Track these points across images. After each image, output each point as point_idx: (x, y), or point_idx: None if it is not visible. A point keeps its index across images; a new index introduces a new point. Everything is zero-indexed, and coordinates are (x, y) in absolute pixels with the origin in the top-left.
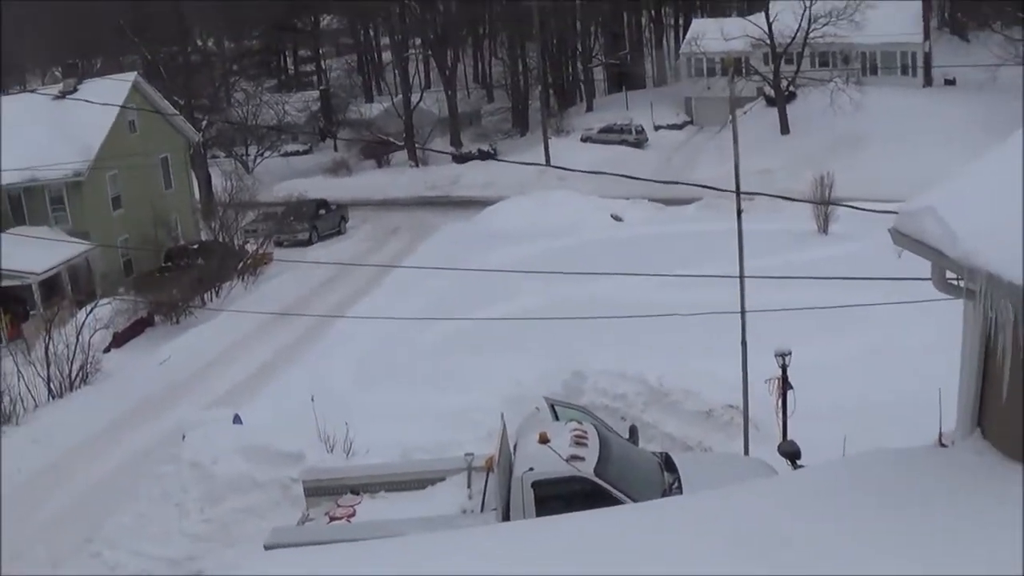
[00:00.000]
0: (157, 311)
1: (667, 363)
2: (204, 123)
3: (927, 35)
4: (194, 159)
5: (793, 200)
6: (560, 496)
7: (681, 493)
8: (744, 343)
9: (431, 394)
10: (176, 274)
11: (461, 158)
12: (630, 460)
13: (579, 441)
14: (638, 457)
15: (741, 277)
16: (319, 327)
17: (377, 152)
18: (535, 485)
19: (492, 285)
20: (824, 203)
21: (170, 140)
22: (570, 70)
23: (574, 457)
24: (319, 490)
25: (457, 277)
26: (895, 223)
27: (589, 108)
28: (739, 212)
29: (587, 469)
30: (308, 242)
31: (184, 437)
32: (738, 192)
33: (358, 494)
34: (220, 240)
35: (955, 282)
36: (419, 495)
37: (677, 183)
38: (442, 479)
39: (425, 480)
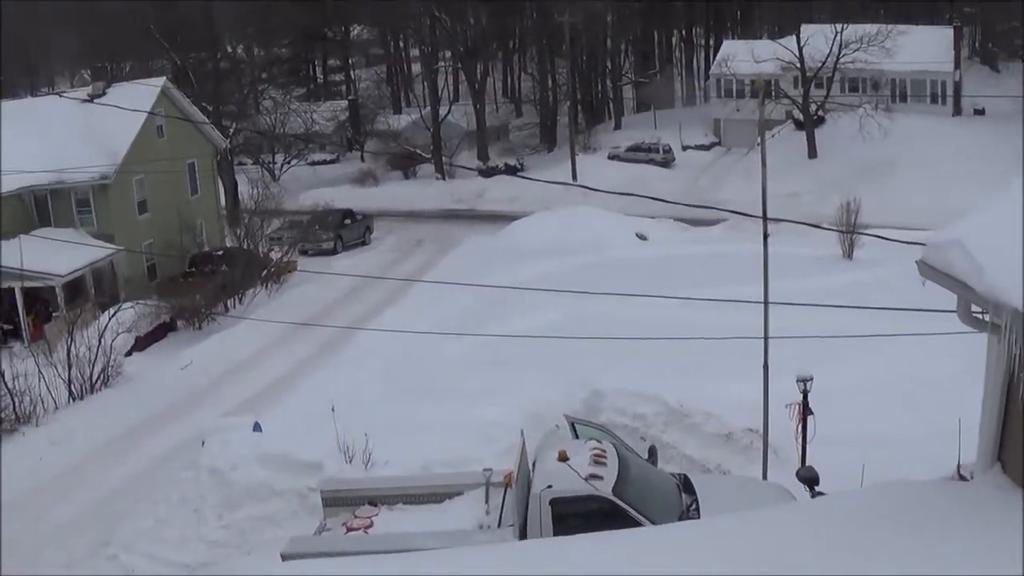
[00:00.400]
0: (180, 316)
1: (688, 384)
2: (232, 130)
3: (958, 64)
4: (221, 166)
5: (819, 228)
6: (578, 514)
7: (699, 516)
8: (766, 367)
9: (452, 408)
10: (200, 280)
11: (487, 172)
12: (648, 481)
13: (598, 460)
14: (656, 478)
15: (766, 303)
16: (342, 338)
17: (404, 164)
18: (553, 503)
19: (515, 300)
20: (850, 232)
21: (198, 146)
22: (599, 87)
23: (593, 476)
24: (337, 500)
25: (480, 291)
26: (923, 255)
27: (617, 126)
28: (765, 237)
29: (605, 488)
30: (333, 251)
31: (203, 443)
32: (765, 217)
33: (376, 505)
34: (245, 247)
35: (980, 316)
36: (437, 509)
37: (704, 207)
38: (460, 493)
39: (443, 494)
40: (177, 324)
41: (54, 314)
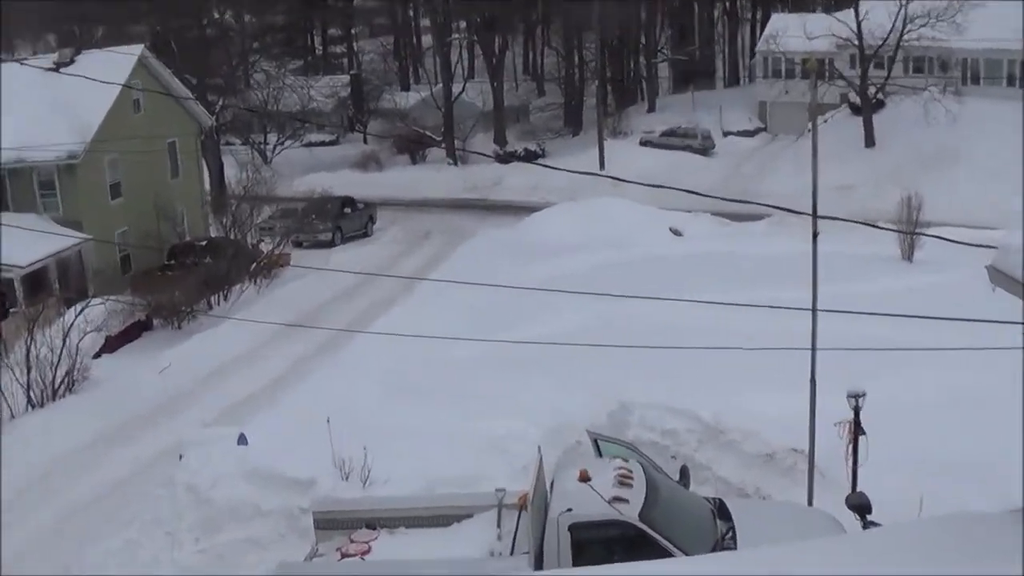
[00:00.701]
0: (157, 314)
1: (725, 398)
2: (218, 106)
3: None
4: (205, 146)
5: (876, 227)
6: (600, 542)
7: (735, 546)
8: (813, 381)
9: (460, 420)
10: (180, 273)
11: (505, 158)
12: (680, 505)
13: (624, 481)
14: (689, 502)
15: (814, 309)
16: (338, 340)
17: (411, 147)
18: (573, 528)
19: (533, 301)
20: (910, 232)
21: (179, 123)
22: (631, 65)
23: (617, 499)
24: (331, 522)
25: (494, 291)
26: (993, 259)
27: (651, 108)
28: (815, 235)
29: (631, 513)
30: (331, 244)
31: (181, 457)
32: (815, 213)
33: (374, 529)
34: (231, 238)
35: None
36: (443, 533)
37: (746, 201)
38: (469, 516)
39: (450, 516)
40: (153, 323)
41: (11, 310)
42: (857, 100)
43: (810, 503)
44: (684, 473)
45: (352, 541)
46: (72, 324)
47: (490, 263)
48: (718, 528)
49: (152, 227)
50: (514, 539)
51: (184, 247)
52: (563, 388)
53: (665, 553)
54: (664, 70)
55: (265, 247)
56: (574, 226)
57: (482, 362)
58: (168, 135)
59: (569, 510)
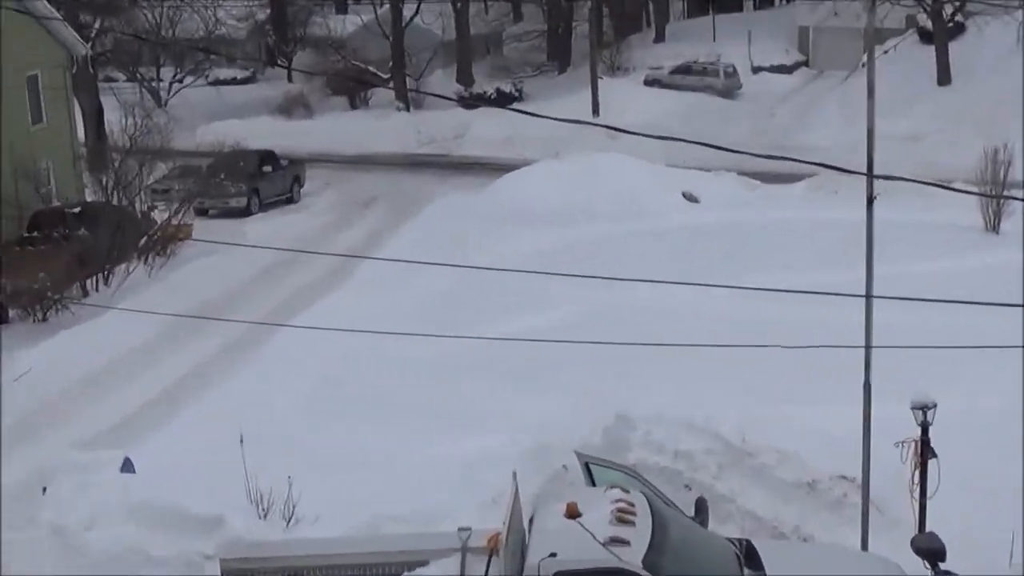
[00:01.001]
0: (13, 302)
1: (754, 409)
2: (95, 30)
3: None
4: (78, 82)
5: (950, 188)
6: None
7: None
8: (868, 387)
9: (414, 440)
10: (45, 249)
11: (471, 101)
12: (696, 548)
13: (623, 518)
14: (707, 545)
15: (869, 296)
16: (256, 337)
17: (350, 87)
18: None
19: (507, 288)
20: (996, 195)
21: (42, 51)
22: None
23: (616, 540)
24: (243, 573)
25: (457, 274)
26: None
27: (659, 38)
28: (871, 200)
29: (634, 559)
30: (245, 212)
31: (45, 490)
32: (871, 172)
33: None
34: (114, 203)
35: None
36: None
37: (782, 158)
38: (424, 563)
39: (399, 564)
40: (8, 313)
41: None
42: (928, 24)
43: (864, 546)
44: (701, 507)
45: None
46: None
47: (452, 238)
48: None
49: (8, 189)
50: None
51: (51, 214)
52: (545, 397)
53: None
54: None
55: (159, 216)
56: (560, 190)
57: (441, 365)
58: (27, 67)
59: (553, 555)
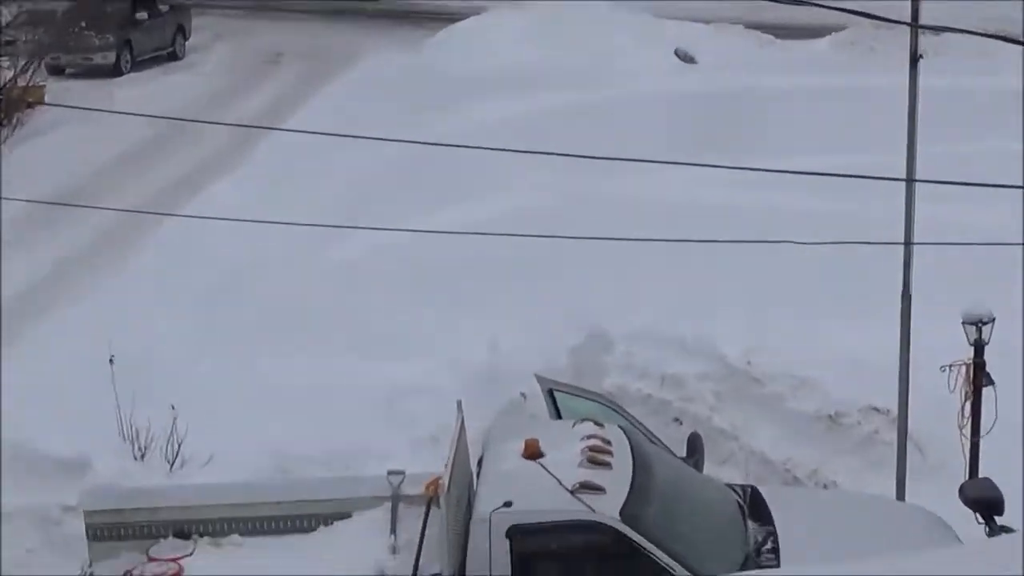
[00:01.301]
0: None
1: (763, 325)
2: None
3: None
4: None
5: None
6: (558, 555)
7: (778, 563)
8: (907, 297)
9: (331, 363)
10: None
11: None
12: (688, 497)
13: (597, 459)
14: (702, 492)
15: (910, 180)
16: (128, 232)
17: None
18: (515, 534)
19: (454, 171)
20: None
21: None
22: None
23: (587, 486)
24: (115, 529)
25: (393, 153)
26: None
27: None
28: (915, 59)
29: (610, 510)
30: (114, 71)
31: None
32: (915, 22)
33: (188, 538)
34: None
35: None
36: (301, 544)
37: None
38: (346, 516)
39: (314, 517)
40: None
41: None
42: None
43: (901, 495)
44: (695, 446)
45: (150, 559)
46: None
47: (382, 107)
48: (749, 534)
49: None
50: (418, 552)
51: None
52: (499, 308)
53: (664, 573)
54: None
55: (2, 75)
56: (522, 46)
57: (366, 268)
58: None
59: (507, 505)
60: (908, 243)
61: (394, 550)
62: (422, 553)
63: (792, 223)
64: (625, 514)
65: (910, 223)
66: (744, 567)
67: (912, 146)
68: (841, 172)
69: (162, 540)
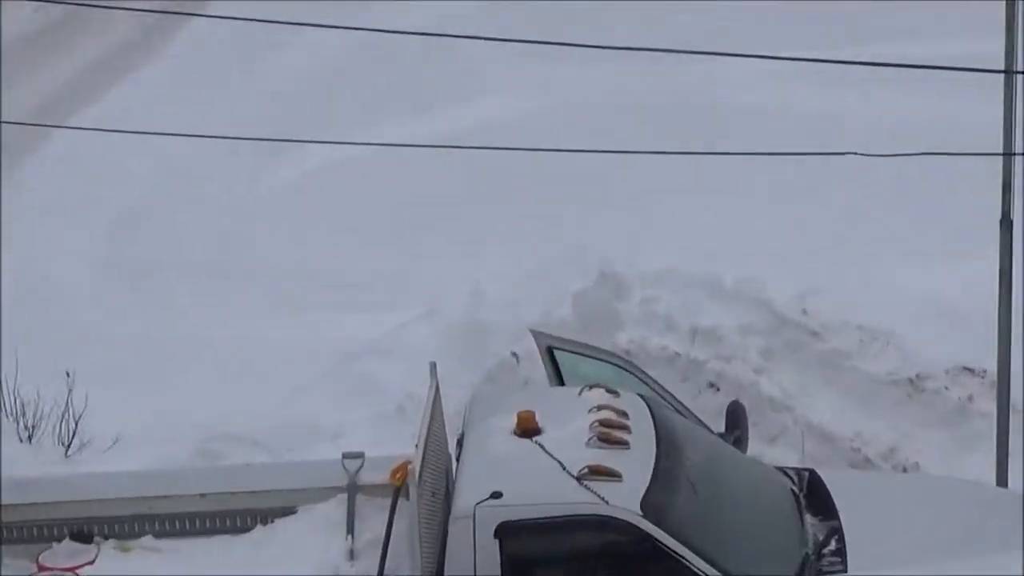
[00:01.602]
0: None
1: (819, 263)
2: None
3: None
4: None
5: None
6: (561, 560)
7: (844, 568)
8: (1008, 221)
9: (273, 313)
10: None
11: None
12: (726, 484)
13: (611, 436)
14: (746, 478)
15: (1010, 72)
16: (8, 151)
17: None
18: (505, 533)
19: (430, 63)
20: None
21: None
22: None
23: (597, 471)
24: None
25: (351, 41)
26: None
27: None
28: None
29: (627, 501)
30: None
31: None
32: None
33: (89, 540)
34: None
35: None
36: (235, 547)
37: None
38: (292, 512)
39: (250, 513)
40: None
41: None
42: None
43: (1002, 480)
44: (736, 418)
45: (41, 568)
46: None
47: None
48: (807, 532)
49: None
50: (382, 557)
51: None
52: (485, 245)
53: None
54: None
55: None
56: None
57: (317, 193)
58: None
59: (496, 496)
60: (1010, 153)
61: (351, 554)
62: (387, 558)
63: (858, 130)
64: (647, 506)
65: (1010, 128)
66: (801, 574)
67: (1012, 30)
68: (924, 63)
69: (56, 544)
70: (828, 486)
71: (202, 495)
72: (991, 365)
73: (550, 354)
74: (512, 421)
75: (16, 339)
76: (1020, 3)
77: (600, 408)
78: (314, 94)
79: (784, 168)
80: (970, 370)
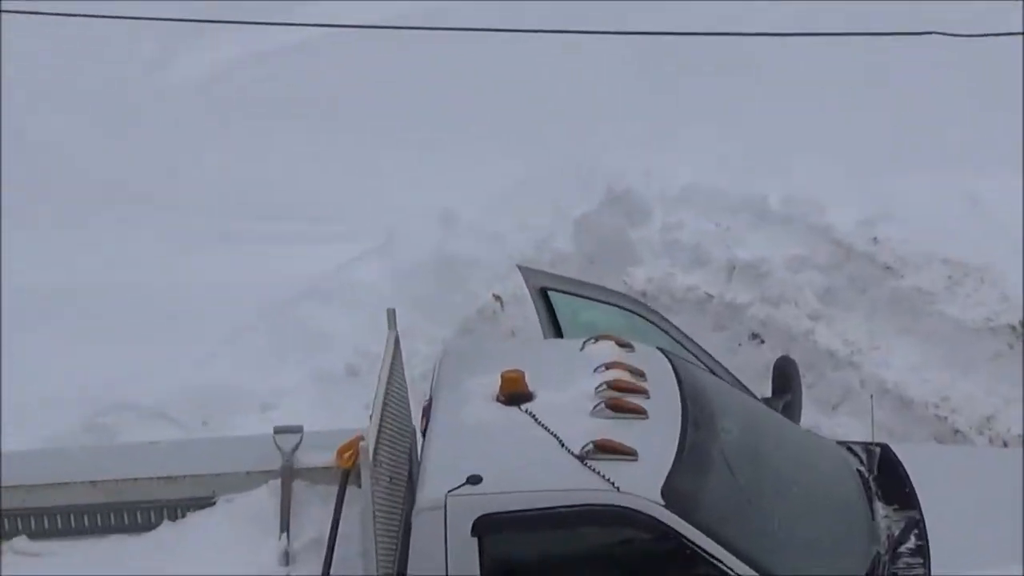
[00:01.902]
0: None
1: (890, 180)
2: None
3: None
4: None
5: None
6: (558, 560)
7: (926, 570)
8: None
9: (185, 246)
10: None
11: None
12: (772, 464)
13: (622, 402)
14: (798, 455)
15: None
16: None
17: None
18: (486, 529)
19: None
20: None
21: None
22: None
23: (606, 448)
24: None
25: None
26: None
27: None
28: None
29: (643, 485)
30: None
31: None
32: None
33: None
34: None
35: None
36: (134, 548)
37: None
38: (208, 503)
39: (154, 506)
40: None
41: None
42: None
43: None
44: (786, 378)
45: None
46: None
47: None
48: (879, 524)
49: None
50: (327, 561)
51: None
52: (458, 157)
53: None
54: None
55: None
56: None
57: (239, 89)
58: None
59: (474, 481)
60: None
61: (287, 557)
62: (333, 562)
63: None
64: (670, 493)
65: None
66: None
67: None
68: None
69: None
70: (905, 466)
71: (92, 483)
72: None
73: (544, 296)
74: (495, 384)
75: None
76: None
77: (609, 366)
78: None
79: (843, 54)
80: None
